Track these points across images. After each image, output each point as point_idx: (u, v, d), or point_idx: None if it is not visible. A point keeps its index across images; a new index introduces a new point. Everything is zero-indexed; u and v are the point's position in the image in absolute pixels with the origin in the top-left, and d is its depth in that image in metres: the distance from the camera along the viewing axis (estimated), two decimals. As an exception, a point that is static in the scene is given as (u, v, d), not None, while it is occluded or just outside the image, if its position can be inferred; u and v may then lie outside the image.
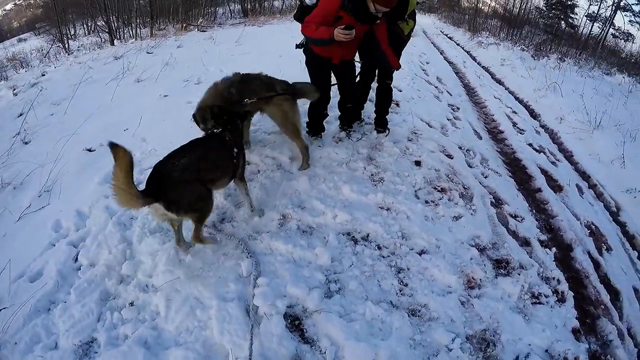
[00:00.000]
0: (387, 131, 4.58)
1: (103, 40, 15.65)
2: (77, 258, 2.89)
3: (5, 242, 3.10)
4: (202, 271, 2.71)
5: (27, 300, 2.50)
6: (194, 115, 3.32)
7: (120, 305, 2.54)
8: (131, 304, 2.54)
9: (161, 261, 2.74)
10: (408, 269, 2.86)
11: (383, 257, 2.94)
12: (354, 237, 3.10)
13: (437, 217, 3.39)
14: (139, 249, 2.89)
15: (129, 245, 2.94)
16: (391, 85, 4.34)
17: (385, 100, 4.43)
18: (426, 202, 3.58)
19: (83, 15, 19.69)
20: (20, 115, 5.60)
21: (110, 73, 7.21)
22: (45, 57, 13.15)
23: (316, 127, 4.29)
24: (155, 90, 6.00)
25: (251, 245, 2.94)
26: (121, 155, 2.12)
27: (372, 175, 3.86)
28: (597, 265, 3.43)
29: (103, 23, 15.75)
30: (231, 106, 3.29)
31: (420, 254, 2.98)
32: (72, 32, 20.32)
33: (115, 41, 14.14)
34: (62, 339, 2.33)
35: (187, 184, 2.52)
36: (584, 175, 5.24)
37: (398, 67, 3.78)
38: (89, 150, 4.32)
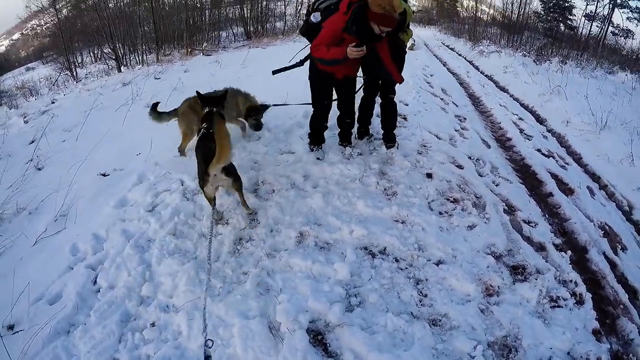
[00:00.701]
0: (396, 145, 4.62)
1: (110, 67, 15.95)
2: (95, 280, 2.92)
3: (23, 265, 3.14)
4: (223, 290, 2.75)
5: (47, 323, 2.53)
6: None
7: (141, 326, 2.56)
8: (152, 324, 2.57)
9: (181, 281, 2.78)
10: (426, 279, 2.87)
11: (401, 269, 2.96)
12: (371, 251, 3.13)
13: (452, 227, 3.41)
14: (158, 270, 2.93)
15: (148, 267, 2.98)
16: (394, 100, 4.38)
17: (390, 116, 4.48)
18: (440, 213, 3.61)
19: (89, 43, 20.06)
20: (32, 142, 5.69)
21: (120, 99, 7.29)
22: (54, 85, 13.37)
23: (317, 139, 4.45)
24: (166, 115, 6.06)
25: (269, 263, 2.98)
26: None
27: (385, 189, 3.90)
28: (613, 266, 3.40)
29: (110, 50, 16.04)
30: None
31: (437, 265, 3.00)
32: (80, 60, 20.69)
33: (122, 68, 14.42)
34: (83, 360, 2.34)
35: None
36: (594, 177, 5.22)
37: (401, 80, 3.80)
38: (103, 175, 4.38)
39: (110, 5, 17.46)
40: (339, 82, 3.99)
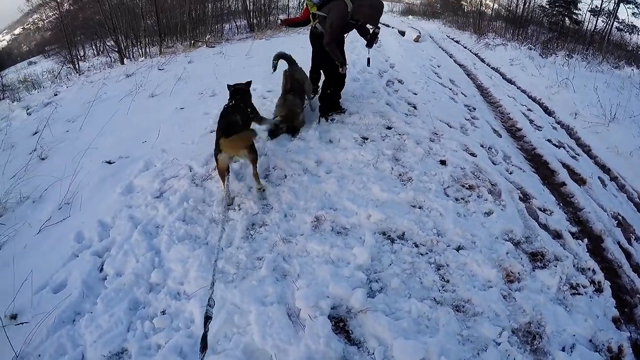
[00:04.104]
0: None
1: (113, 59, 15.84)
2: (102, 268, 2.82)
3: (26, 254, 3.05)
4: (237, 276, 2.65)
5: (51, 312, 2.43)
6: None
7: (151, 314, 2.46)
8: (163, 312, 2.47)
9: (192, 268, 2.68)
10: (447, 265, 2.80)
11: (421, 254, 2.89)
12: (389, 236, 3.05)
13: (469, 214, 3.34)
14: (167, 257, 2.84)
15: (157, 254, 2.88)
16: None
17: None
18: (456, 199, 3.54)
19: (92, 36, 19.96)
20: (35, 133, 5.62)
21: (123, 90, 7.20)
22: (56, 78, 13.29)
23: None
24: (171, 104, 5.98)
25: (285, 248, 2.89)
26: None
27: (400, 175, 3.83)
28: (628, 255, 3.39)
29: (112, 43, 15.91)
30: None
31: (457, 250, 2.93)
32: (82, 53, 20.62)
33: (125, 60, 14.27)
34: (89, 350, 2.25)
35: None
36: (604, 168, 5.18)
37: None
38: (109, 162, 4.27)
39: (112, -3, 17.29)
40: None
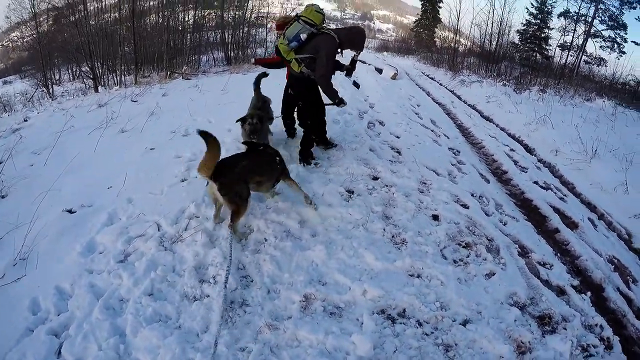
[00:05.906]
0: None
1: (87, 86, 15.40)
2: (60, 352, 2.40)
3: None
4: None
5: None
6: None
7: None
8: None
9: (165, 362, 2.26)
10: (456, 344, 2.56)
11: (427, 334, 2.61)
12: (389, 314, 2.74)
13: (470, 278, 3.13)
14: (134, 344, 2.42)
15: (122, 338, 2.46)
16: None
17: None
18: (455, 261, 3.32)
19: (68, 61, 19.49)
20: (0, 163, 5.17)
21: (94, 122, 6.78)
22: (29, 101, 12.83)
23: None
24: (141, 142, 5.61)
25: (272, 336, 2.50)
26: (212, 143, 2.94)
27: (393, 236, 3.56)
28: (629, 301, 3.37)
29: (88, 69, 15.48)
30: None
31: (464, 325, 2.70)
32: (57, 77, 20.14)
33: (99, 88, 13.83)
34: None
35: (238, 182, 3.16)
36: (590, 206, 5.20)
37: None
38: (69, 211, 3.86)
39: (91, 22, 16.89)
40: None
